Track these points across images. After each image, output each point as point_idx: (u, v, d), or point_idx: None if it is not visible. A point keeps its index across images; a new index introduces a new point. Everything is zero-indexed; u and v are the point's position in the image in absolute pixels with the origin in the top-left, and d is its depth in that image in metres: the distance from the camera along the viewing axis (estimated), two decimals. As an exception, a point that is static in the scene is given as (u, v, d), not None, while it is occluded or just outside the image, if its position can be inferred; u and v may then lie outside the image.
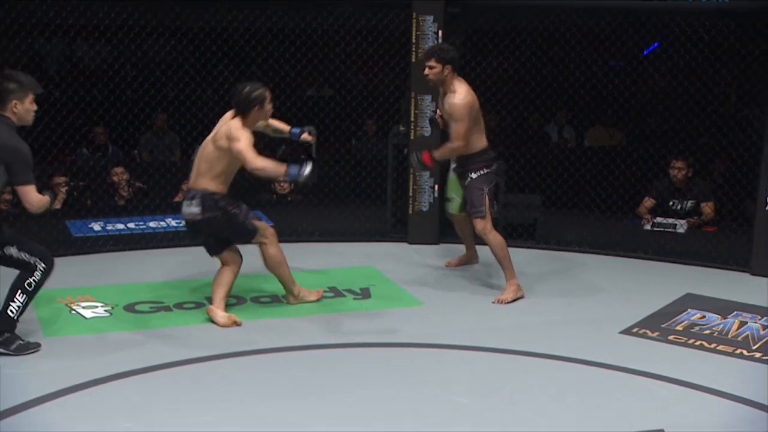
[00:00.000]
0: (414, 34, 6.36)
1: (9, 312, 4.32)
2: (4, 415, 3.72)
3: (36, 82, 4.30)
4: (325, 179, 7.47)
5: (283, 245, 6.42)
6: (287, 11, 6.86)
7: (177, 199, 7.35)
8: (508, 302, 5.32)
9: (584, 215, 7.24)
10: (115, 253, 6.26)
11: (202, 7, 7.15)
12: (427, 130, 6.39)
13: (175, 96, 7.80)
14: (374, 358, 4.52)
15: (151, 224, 6.82)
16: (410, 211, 6.65)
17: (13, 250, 4.33)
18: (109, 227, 6.72)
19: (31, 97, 4.24)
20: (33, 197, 4.16)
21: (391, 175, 6.83)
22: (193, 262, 6.04)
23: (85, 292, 5.30)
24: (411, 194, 6.62)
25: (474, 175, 5.37)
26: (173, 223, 6.86)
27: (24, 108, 4.21)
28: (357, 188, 7.38)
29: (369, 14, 6.74)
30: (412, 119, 6.52)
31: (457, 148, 5.27)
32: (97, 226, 6.71)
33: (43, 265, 4.35)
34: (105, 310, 5.01)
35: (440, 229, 6.62)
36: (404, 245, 6.63)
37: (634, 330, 4.97)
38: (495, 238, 5.40)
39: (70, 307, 5.04)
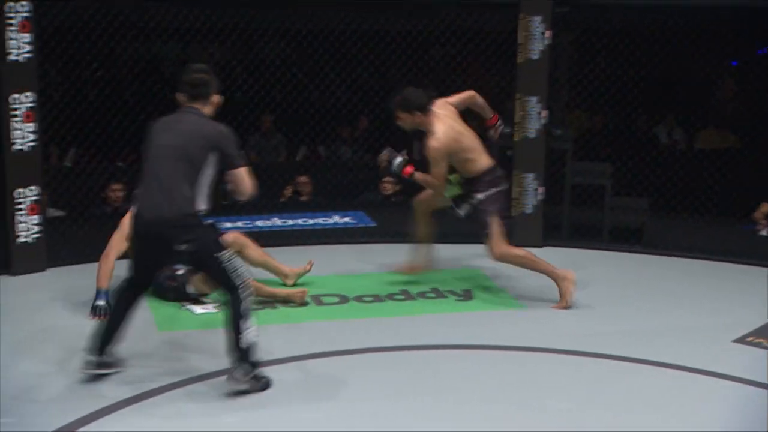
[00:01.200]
0: (521, 35, 6.26)
1: (243, 344, 3.91)
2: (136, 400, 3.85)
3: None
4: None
5: (386, 246, 6.54)
6: (393, 13, 6.87)
7: (283, 199, 7.46)
8: (570, 302, 5.14)
9: (694, 220, 6.97)
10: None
11: (311, 9, 7.23)
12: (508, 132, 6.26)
13: (282, 98, 7.92)
14: (473, 360, 4.46)
15: (258, 223, 6.93)
16: (513, 214, 6.55)
17: (224, 258, 3.91)
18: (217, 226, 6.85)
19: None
20: (249, 180, 3.92)
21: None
22: (297, 261, 6.11)
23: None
24: (515, 196, 6.52)
25: (480, 196, 5.18)
26: (279, 222, 6.97)
27: (217, 103, 4.04)
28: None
29: (475, 15, 6.67)
30: (517, 121, 6.42)
31: (437, 187, 5.10)
32: (206, 224, 6.86)
33: (241, 281, 3.93)
34: (213, 307, 5.11)
35: (544, 231, 6.49)
36: (507, 248, 6.52)
37: (749, 339, 4.75)
38: (515, 255, 5.22)
39: (181, 304, 5.17)
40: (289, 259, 6.14)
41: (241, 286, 3.90)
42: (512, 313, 5.18)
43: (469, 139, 5.17)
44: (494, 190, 5.19)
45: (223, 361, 4.26)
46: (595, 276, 5.77)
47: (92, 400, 3.89)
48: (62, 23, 5.89)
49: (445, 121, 5.09)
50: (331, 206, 7.32)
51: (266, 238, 6.55)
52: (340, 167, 8.04)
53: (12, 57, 5.32)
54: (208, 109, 3.99)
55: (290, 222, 6.95)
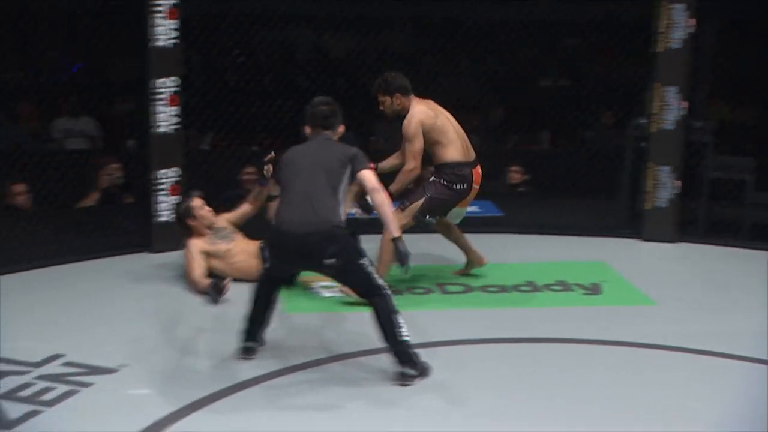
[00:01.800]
0: (662, 23, 6.04)
1: (403, 340, 3.98)
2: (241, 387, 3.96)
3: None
4: (557, 171, 7.32)
5: (512, 236, 6.48)
6: (524, 1, 6.78)
7: (409, 186, 7.47)
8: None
9: None
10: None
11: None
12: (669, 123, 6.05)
13: (413, 86, 7.92)
14: (597, 355, 4.37)
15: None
16: (647, 207, 6.36)
17: (366, 263, 4.01)
18: (351, 211, 6.94)
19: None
20: (375, 179, 4.05)
21: (628, 168, 6.56)
22: (425, 249, 6.14)
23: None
24: (649, 189, 6.32)
25: (432, 179, 5.00)
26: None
27: (343, 129, 4.26)
28: (590, 181, 7.16)
29: (609, 2, 6.50)
30: (654, 112, 6.21)
31: (412, 170, 4.86)
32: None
33: (383, 284, 4.04)
34: (340, 290, 5.19)
35: (679, 227, 6.27)
36: (638, 242, 6.34)
37: None
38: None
39: (308, 286, 5.28)
40: (414, 247, 6.13)
41: (384, 287, 4.01)
42: (642, 310, 5.03)
43: (448, 126, 5.04)
44: (446, 183, 4.98)
45: (345, 345, 4.34)
46: (732, 275, 5.53)
47: (223, 379, 4.02)
48: (207, 11, 6.11)
49: (424, 103, 5.04)
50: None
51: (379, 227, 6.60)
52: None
53: (159, 43, 5.55)
54: (335, 138, 4.21)
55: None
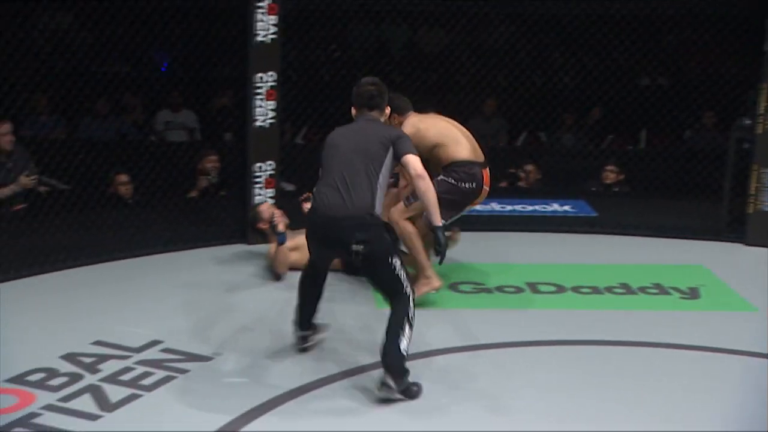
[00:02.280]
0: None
1: (403, 350, 3.77)
2: (332, 380, 4.00)
3: None
4: (654, 171, 7.14)
5: (606, 237, 6.35)
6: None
7: (502, 184, 7.43)
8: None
9: None
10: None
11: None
12: None
13: (508, 83, 7.87)
14: (696, 362, 4.24)
15: (478, 207, 6.87)
16: (750, 210, 6.14)
17: (396, 264, 3.82)
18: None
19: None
20: (419, 165, 3.86)
21: (729, 169, 6.35)
22: (516, 247, 6.09)
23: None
24: (752, 192, 6.10)
25: (440, 178, 4.71)
26: (497, 207, 6.94)
27: (389, 111, 4.15)
28: (689, 182, 6.96)
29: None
30: (761, 112, 5.99)
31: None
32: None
33: (410, 291, 3.85)
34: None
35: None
36: (740, 246, 6.13)
37: None
38: (405, 228, 4.75)
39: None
40: (505, 245, 6.13)
41: (410, 293, 3.83)
42: (743, 316, 4.86)
43: (450, 128, 4.85)
44: (454, 182, 4.73)
45: (426, 343, 4.32)
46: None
47: (315, 371, 4.08)
48: (304, 6, 6.17)
49: (418, 116, 4.85)
50: (551, 193, 7.21)
51: (483, 223, 6.57)
52: (562, 154, 7.88)
53: (259, 38, 5.65)
54: (383, 119, 4.05)
55: (508, 207, 6.91)
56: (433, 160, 4.74)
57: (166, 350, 4.21)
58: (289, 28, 6.00)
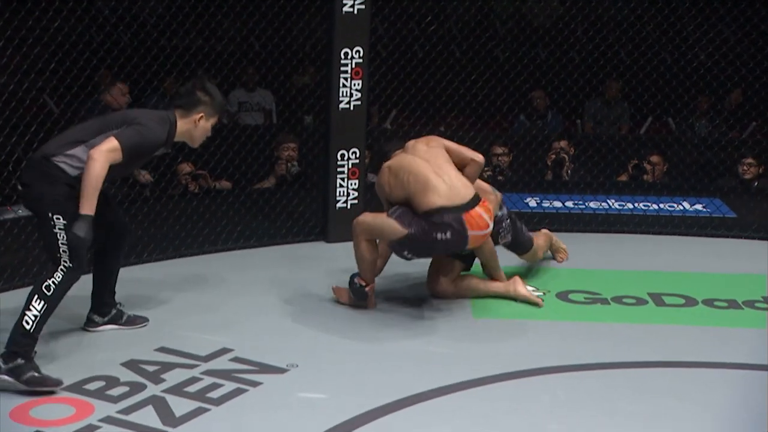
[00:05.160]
0: None
1: (24, 323, 3.85)
2: (425, 397, 4.00)
3: (226, 107, 4.35)
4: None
5: (744, 242, 6.18)
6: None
7: (621, 178, 7.31)
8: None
9: None
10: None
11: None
12: None
13: (632, 61, 7.74)
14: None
15: (592, 204, 6.86)
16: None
17: (58, 222, 3.92)
18: (546, 204, 6.89)
19: (216, 120, 4.25)
20: (106, 149, 3.89)
21: None
22: (637, 251, 5.98)
23: (518, 273, 5.47)
24: None
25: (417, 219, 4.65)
26: (616, 205, 6.84)
27: (204, 127, 4.19)
28: None
29: None
30: None
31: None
32: (532, 202, 6.93)
33: (68, 263, 3.91)
34: (537, 296, 5.14)
35: None
36: None
37: None
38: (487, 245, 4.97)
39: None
40: (625, 249, 6.03)
41: (65, 266, 3.91)
42: None
43: (420, 169, 4.67)
44: (430, 230, 4.58)
45: (525, 361, 4.28)
46: None
47: (397, 389, 4.09)
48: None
49: (387, 169, 4.80)
50: (680, 190, 7.05)
51: (598, 223, 6.49)
52: (694, 144, 7.70)
53: (346, 8, 5.67)
54: (184, 123, 4.15)
55: (629, 206, 6.81)
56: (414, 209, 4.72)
57: (236, 360, 4.28)
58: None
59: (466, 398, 4.00)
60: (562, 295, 5.18)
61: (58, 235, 3.89)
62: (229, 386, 4.02)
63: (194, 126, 4.17)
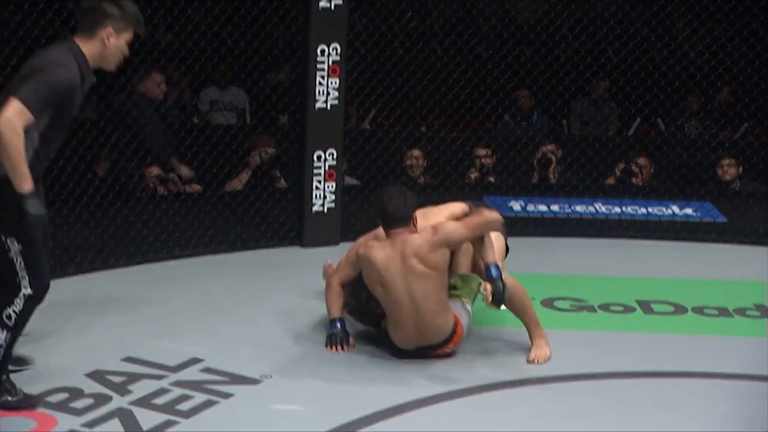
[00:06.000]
0: None
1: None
2: (403, 410, 3.99)
3: (141, 19, 3.81)
4: None
5: (736, 247, 6.21)
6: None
7: (609, 180, 7.34)
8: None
9: None
10: (535, 238, 6.40)
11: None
12: None
13: (620, 60, 7.76)
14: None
15: (578, 208, 6.88)
16: None
17: (13, 246, 3.62)
18: (530, 207, 6.90)
19: (129, 35, 3.75)
20: (10, 111, 3.45)
21: None
22: (625, 257, 5.99)
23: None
24: None
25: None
26: (603, 209, 6.86)
27: (116, 45, 3.71)
28: None
29: None
30: None
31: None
32: (517, 206, 6.94)
33: (29, 289, 3.67)
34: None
35: None
36: None
37: None
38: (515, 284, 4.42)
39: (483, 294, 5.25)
40: (612, 254, 6.05)
41: (25, 292, 3.67)
42: None
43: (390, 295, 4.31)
44: None
45: (511, 370, 4.29)
46: None
47: (376, 400, 4.08)
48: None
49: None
50: (669, 193, 7.08)
51: (584, 227, 6.51)
52: (684, 146, 7.73)
53: (322, 3, 5.66)
54: (92, 46, 3.68)
55: (617, 210, 6.83)
56: None
57: (207, 370, 4.25)
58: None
59: (447, 410, 3.99)
60: (547, 302, 5.19)
61: (15, 259, 3.62)
62: (199, 398, 3.99)
63: (103, 46, 3.68)
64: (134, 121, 6.37)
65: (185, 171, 6.53)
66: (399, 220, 4.33)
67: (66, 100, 3.61)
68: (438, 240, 4.25)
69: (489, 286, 4.27)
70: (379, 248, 4.34)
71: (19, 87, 3.51)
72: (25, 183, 3.48)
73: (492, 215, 4.44)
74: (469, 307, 4.44)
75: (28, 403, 3.79)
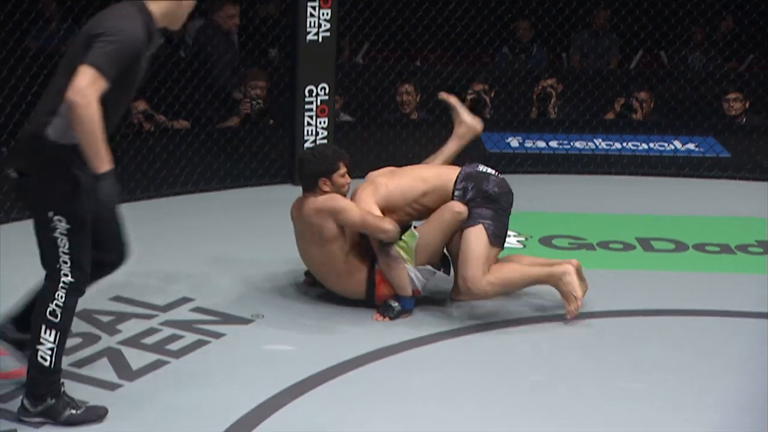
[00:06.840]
0: None
1: (40, 360, 3.32)
2: (399, 349, 4.04)
3: None
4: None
5: (739, 183, 6.24)
6: None
7: (609, 116, 7.33)
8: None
9: None
10: (533, 175, 6.40)
11: None
12: None
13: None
14: None
15: (577, 144, 6.88)
16: None
17: (60, 225, 3.26)
18: (528, 144, 6.90)
19: None
20: (86, 82, 3.09)
21: None
22: (625, 194, 6.01)
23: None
24: None
25: None
26: (603, 144, 6.87)
27: (188, 4, 3.39)
28: None
29: None
30: None
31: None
32: (515, 142, 6.93)
33: (69, 276, 3.31)
34: (518, 241, 5.17)
35: None
36: None
37: None
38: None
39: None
40: (612, 191, 6.06)
41: (66, 280, 3.30)
42: None
43: None
44: None
45: (506, 311, 4.29)
46: None
47: (368, 341, 4.13)
48: None
49: None
50: (672, 128, 7.07)
51: (584, 164, 6.51)
52: (687, 79, 7.69)
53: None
54: (161, 4, 3.32)
55: (617, 145, 6.84)
56: None
57: (197, 310, 4.29)
58: None
59: (444, 349, 4.05)
60: (545, 240, 5.22)
61: (59, 241, 3.28)
62: (189, 338, 4.03)
63: (178, 3, 3.35)
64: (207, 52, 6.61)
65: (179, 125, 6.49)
66: (303, 184, 4.32)
67: (133, 68, 3.27)
68: (327, 208, 4.16)
69: None
70: (294, 207, 4.38)
71: (87, 52, 3.15)
72: (100, 162, 3.15)
73: (386, 229, 4.14)
74: (417, 273, 4.27)
75: (95, 414, 3.43)
